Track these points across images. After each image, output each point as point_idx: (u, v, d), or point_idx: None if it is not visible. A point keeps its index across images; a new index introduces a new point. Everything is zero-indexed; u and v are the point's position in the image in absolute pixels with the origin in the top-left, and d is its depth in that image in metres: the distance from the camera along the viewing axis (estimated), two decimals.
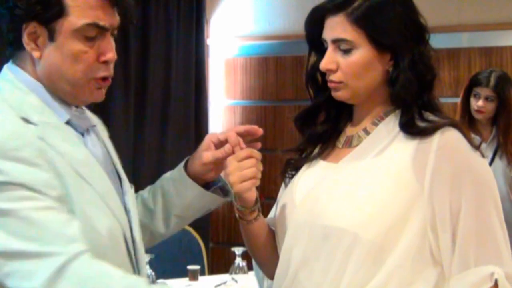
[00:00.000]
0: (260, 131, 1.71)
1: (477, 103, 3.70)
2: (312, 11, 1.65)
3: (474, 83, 3.74)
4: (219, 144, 1.71)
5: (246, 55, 5.35)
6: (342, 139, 1.70)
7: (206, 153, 1.70)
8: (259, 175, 1.63)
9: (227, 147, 1.65)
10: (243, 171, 1.60)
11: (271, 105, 5.23)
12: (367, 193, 1.55)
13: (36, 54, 1.49)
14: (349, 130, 1.70)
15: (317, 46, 1.67)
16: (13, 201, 1.36)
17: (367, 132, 1.65)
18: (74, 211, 1.44)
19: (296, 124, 1.75)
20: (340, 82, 1.60)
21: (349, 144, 1.67)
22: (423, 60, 1.60)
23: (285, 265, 1.64)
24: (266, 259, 1.75)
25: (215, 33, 5.41)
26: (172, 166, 1.84)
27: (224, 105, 5.41)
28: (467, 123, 3.76)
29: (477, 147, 1.59)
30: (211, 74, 5.41)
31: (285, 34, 5.07)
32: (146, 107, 4.95)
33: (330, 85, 1.63)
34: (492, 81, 3.68)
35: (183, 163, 1.78)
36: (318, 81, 1.70)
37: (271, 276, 1.73)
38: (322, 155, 1.71)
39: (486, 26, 4.76)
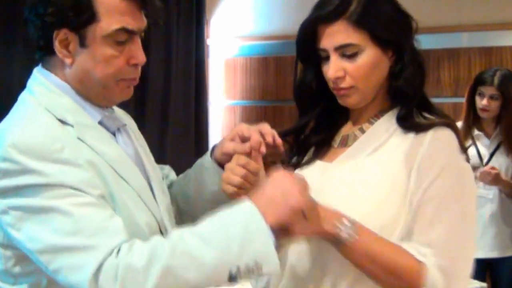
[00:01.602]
0: (279, 146, 1.66)
1: (481, 102, 3.73)
2: (304, 25, 1.62)
3: (479, 82, 3.78)
4: (243, 139, 1.68)
5: (246, 55, 5.35)
6: (338, 138, 1.70)
7: (228, 144, 1.69)
8: (246, 186, 1.58)
9: (247, 146, 1.63)
10: (233, 175, 1.59)
11: (271, 105, 5.23)
12: (361, 192, 1.55)
13: (68, 60, 1.52)
14: (345, 130, 1.70)
15: (308, 58, 1.66)
16: (56, 199, 1.39)
17: (363, 131, 1.65)
18: (117, 208, 1.48)
19: (283, 138, 1.72)
20: (351, 87, 1.60)
21: (345, 143, 1.67)
22: (417, 52, 1.61)
23: (282, 263, 1.65)
24: None
25: (215, 33, 5.40)
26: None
27: (224, 105, 5.41)
28: (472, 121, 3.79)
29: (465, 150, 1.58)
30: (211, 74, 5.40)
31: (285, 34, 5.07)
32: (146, 107, 4.95)
33: (340, 92, 1.61)
34: (496, 80, 3.72)
35: (211, 149, 1.79)
36: (307, 96, 1.70)
37: None
38: (318, 155, 1.71)
39: (486, 26, 4.76)
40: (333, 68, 1.59)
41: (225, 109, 5.40)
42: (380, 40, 1.57)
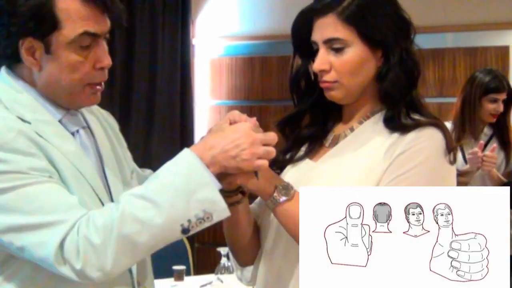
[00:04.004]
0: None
1: (498, 109, 3.77)
2: (299, 14, 1.65)
3: (489, 89, 3.76)
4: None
5: (232, 55, 5.34)
6: (330, 138, 1.71)
7: None
8: None
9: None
10: None
11: (256, 105, 5.22)
12: None
13: (35, 68, 1.55)
14: (337, 129, 1.71)
15: (303, 50, 1.68)
16: (10, 181, 1.44)
17: (353, 131, 1.66)
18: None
19: (279, 128, 1.74)
20: (335, 82, 1.61)
21: (335, 143, 1.68)
22: (410, 56, 1.62)
23: (269, 262, 1.66)
24: (243, 246, 1.72)
25: (200, 33, 5.40)
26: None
27: (209, 105, 5.40)
28: (472, 124, 3.80)
29: (451, 151, 1.57)
30: (197, 74, 5.40)
31: (270, 34, 5.07)
32: (131, 107, 4.94)
33: (323, 85, 1.63)
34: (505, 84, 3.78)
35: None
36: (302, 86, 1.71)
37: (242, 263, 1.74)
38: (309, 153, 1.72)
39: (470, 26, 4.79)
40: (319, 61, 1.61)
41: (210, 109, 5.39)
42: (368, 39, 1.58)
